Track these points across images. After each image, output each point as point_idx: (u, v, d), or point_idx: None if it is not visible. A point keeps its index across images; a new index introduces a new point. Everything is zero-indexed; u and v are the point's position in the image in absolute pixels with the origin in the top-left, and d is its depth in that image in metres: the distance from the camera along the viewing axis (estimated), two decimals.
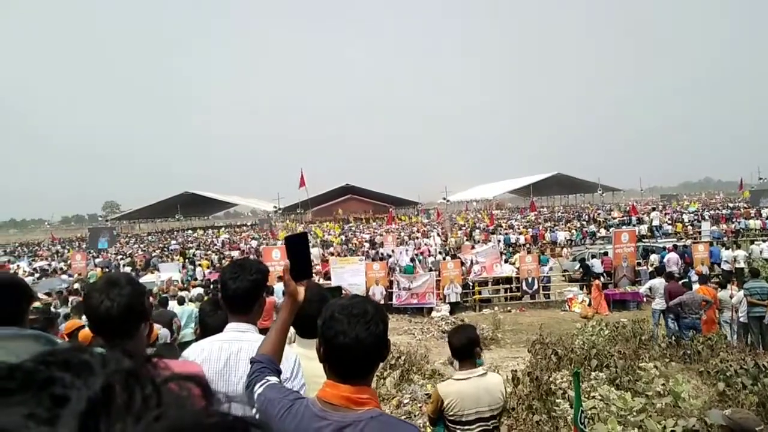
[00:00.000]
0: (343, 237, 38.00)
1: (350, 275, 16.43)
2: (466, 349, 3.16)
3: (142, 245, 44.39)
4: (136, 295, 1.71)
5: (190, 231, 60.06)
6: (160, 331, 6.03)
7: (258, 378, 1.56)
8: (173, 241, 43.77)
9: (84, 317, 5.85)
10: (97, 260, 28.71)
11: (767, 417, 4.99)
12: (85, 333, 5.06)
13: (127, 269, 23.12)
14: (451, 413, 3.05)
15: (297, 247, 1.82)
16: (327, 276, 17.77)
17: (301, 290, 1.79)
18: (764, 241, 21.82)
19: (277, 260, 15.86)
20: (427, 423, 3.70)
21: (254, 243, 35.81)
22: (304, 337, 2.41)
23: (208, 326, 3.01)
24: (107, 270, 21.19)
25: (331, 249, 29.19)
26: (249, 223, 71.73)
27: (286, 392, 1.52)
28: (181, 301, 9.50)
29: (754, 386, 5.39)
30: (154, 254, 32.79)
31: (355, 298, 1.53)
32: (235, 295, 2.15)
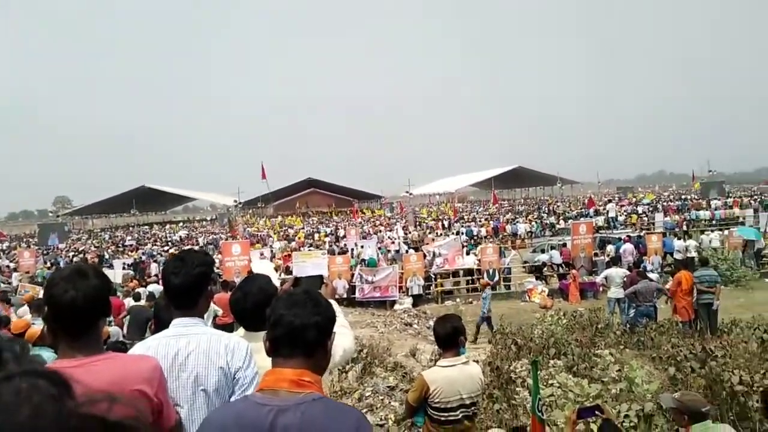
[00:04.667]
0: (307, 230, 37.74)
1: (312, 269, 16.25)
2: (450, 337, 3.22)
3: (95, 241, 42.92)
4: (102, 288, 1.65)
5: (146, 227, 58.35)
6: (111, 329, 5.82)
7: None
8: (128, 237, 42.50)
9: (35, 318, 5.60)
10: (46, 257, 27.60)
11: (714, 398, 5.18)
12: (33, 332, 4.90)
13: None
14: (437, 400, 3.09)
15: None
16: (288, 271, 17.56)
17: None
18: (713, 231, 22.79)
19: (237, 255, 15.56)
20: (404, 415, 3.70)
21: (212, 237, 35.16)
22: (248, 330, 2.35)
23: (163, 321, 2.91)
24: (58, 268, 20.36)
25: (294, 243, 28.93)
26: (208, 218, 70.28)
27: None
28: (137, 298, 9.19)
29: (701, 370, 5.58)
30: (108, 250, 31.78)
31: (306, 290, 1.59)
32: (179, 289, 2.08)
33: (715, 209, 31.87)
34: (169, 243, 35.20)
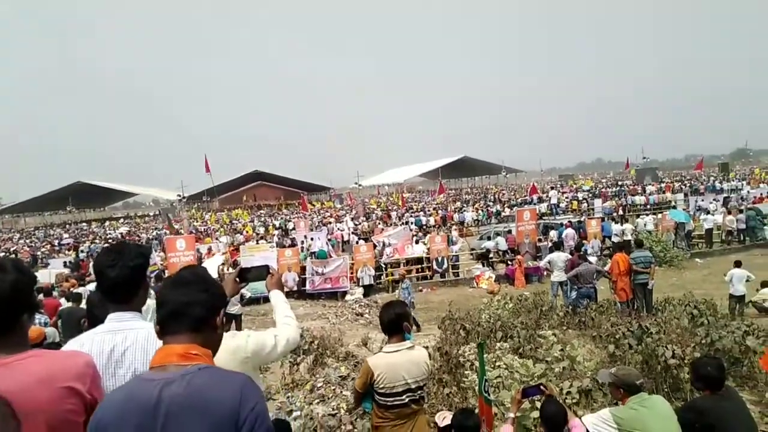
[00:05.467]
0: (255, 223, 37.12)
1: (260, 262, 16.04)
2: (394, 323, 3.24)
3: (28, 240, 40.64)
4: (21, 283, 1.56)
5: (84, 224, 55.71)
6: (47, 330, 5.53)
7: None
8: (65, 235, 40.50)
9: None
10: None
11: (650, 372, 5.47)
12: None
13: None
14: (382, 385, 3.11)
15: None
16: (236, 264, 17.25)
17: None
18: (648, 215, 23.98)
19: (182, 250, 15.11)
20: (353, 402, 3.72)
21: (156, 233, 34.04)
22: None
23: (97, 318, 2.78)
24: None
25: (241, 237, 28.39)
26: (151, 214, 67.89)
27: None
28: (69, 298, 8.71)
29: (638, 346, 5.87)
30: (42, 249, 30.17)
31: (194, 270, 1.67)
32: (115, 283, 1.98)
33: (650, 194, 33.57)
34: (110, 240, 33.75)
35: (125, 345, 1.91)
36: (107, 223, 55.40)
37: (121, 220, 58.36)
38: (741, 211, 20.84)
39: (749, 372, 5.72)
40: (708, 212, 21.90)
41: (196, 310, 1.51)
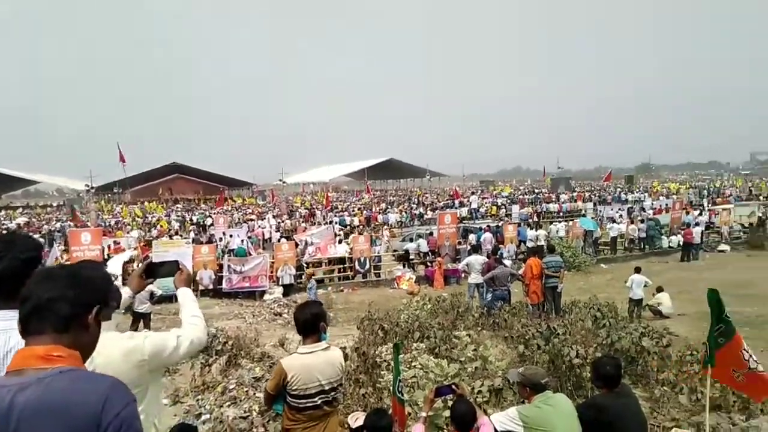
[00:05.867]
0: (171, 217, 35.49)
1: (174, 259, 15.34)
2: (310, 324, 3.19)
3: None
4: None
5: None
6: None
7: None
8: None
9: None
10: None
11: (556, 371, 5.74)
12: None
13: None
14: (295, 387, 3.04)
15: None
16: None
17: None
18: (560, 222, 25.32)
19: (87, 244, 14.16)
20: (265, 405, 3.63)
21: (59, 225, 31.68)
22: None
23: None
24: None
25: (155, 232, 27.07)
26: (55, 204, 63.13)
27: None
28: None
29: (546, 346, 6.15)
30: None
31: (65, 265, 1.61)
32: (1, 278, 1.80)
33: (563, 203, 35.49)
34: (5, 231, 30.98)
35: (9, 346, 1.73)
36: (3, 212, 50.89)
37: (20, 210, 53.81)
38: (642, 221, 22.51)
39: (643, 370, 6.15)
40: (614, 221, 23.45)
41: (61, 307, 1.38)
